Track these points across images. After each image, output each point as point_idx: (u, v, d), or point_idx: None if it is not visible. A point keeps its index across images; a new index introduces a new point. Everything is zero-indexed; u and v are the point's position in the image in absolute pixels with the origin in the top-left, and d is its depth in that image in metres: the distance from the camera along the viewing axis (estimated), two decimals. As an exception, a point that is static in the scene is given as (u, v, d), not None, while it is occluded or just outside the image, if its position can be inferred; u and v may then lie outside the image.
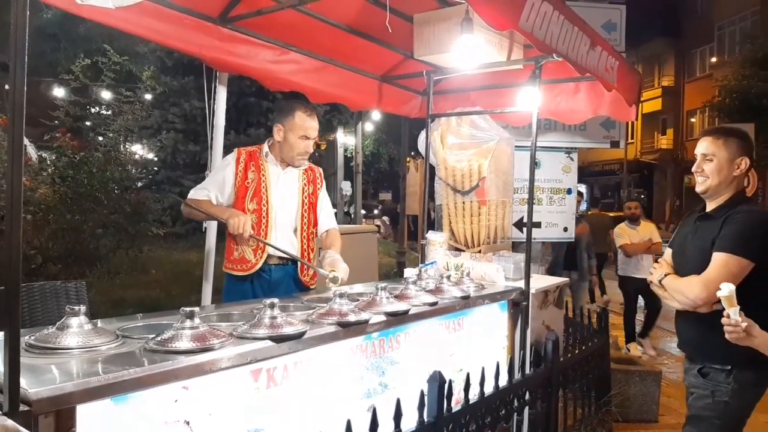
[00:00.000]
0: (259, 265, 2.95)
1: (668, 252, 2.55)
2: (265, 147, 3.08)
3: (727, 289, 1.92)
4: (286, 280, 3.03)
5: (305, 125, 2.99)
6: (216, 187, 3.02)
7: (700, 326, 2.31)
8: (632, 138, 28.80)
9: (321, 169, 3.31)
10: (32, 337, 1.60)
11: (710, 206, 2.39)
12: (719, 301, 2.12)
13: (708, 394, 2.27)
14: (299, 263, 3.02)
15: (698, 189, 2.39)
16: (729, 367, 2.22)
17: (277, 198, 3.03)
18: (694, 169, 2.39)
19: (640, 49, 28.13)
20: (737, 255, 2.17)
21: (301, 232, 3.07)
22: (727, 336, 1.97)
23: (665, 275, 2.41)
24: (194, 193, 3.02)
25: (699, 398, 2.31)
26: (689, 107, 28.08)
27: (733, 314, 1.93)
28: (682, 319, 2.43)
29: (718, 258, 2.20)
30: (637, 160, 30.00)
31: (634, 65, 4.13)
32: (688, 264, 2.36)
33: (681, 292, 2.31)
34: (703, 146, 2.35)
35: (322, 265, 2.94)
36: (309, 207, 3.13)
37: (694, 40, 27.96)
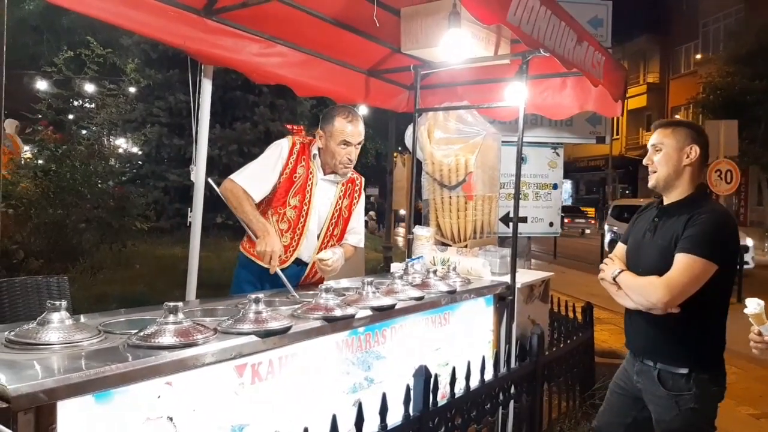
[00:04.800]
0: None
1: (620, 247, 2.43)
2: (315, 147, 2.97)
3: (757, 307, 1.80)
4: (292, 279, 2.89)
5: (345, 130, 2.87)
6: (264, 173, 2.87)
7: (657, 327, 2.22)
8: (617, 134, 29.09)
9: (362, 180, 3.20)
10: (12, 333, 1.57)
11: (668, 200, 2.29)
12: (677, 304, 2.10)
13: (672, 404, 2.19)
14: (309, 265, 2.95)
15: (650, 184, 2.32)
16: (686, 371, 2.16)
17: (316, 202, 2.95)
18: (644, 161, 2.33)
19: (626, 45, 28.35)
20: (702, 257, 2.07)
21: (322, 240, 3.00)
22: (754, 351, 1.91)
23: (620, 271, 2.28)
24: (242, 181, 2.80)
25: (665, 411, 2.22)
26: (674, 104, 28.34)
27: (765, 331, 1.84)
28: (635, 318, 2.32)
29: (683, 259, 2.10)
30: (622, 156, 30.26)
31: (620, 62, 4.13)
32: (644, 262, 2.25)
33: (641, 293, 2.19)
34: (653, 137, 2.30)
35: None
36: (338, 219, 3.04)
37: (679, 37, 28.22)
